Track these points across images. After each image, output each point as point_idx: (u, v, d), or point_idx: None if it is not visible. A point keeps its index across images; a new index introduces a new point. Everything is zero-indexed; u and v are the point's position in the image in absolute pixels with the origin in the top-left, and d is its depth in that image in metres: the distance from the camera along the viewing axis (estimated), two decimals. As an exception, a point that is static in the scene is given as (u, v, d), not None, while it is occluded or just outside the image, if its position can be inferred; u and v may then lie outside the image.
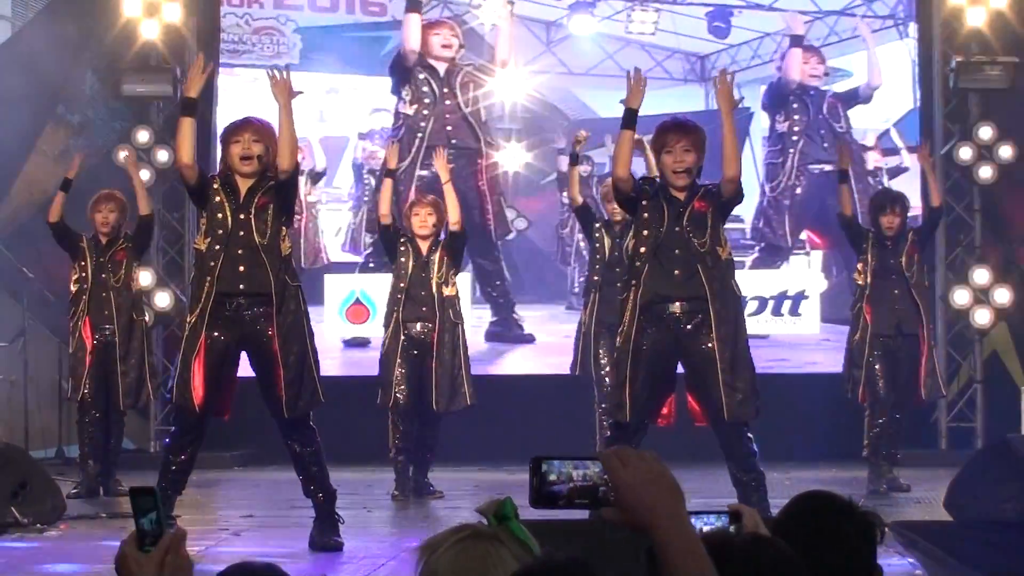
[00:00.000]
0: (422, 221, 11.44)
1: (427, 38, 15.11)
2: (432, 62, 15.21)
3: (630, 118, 8.82)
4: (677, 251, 8.74)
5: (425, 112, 15.05)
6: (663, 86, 16.06)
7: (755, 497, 8.69)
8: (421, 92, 15.07)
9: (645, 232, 8.78)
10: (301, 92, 8.90)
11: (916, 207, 15.40)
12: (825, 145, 15.26)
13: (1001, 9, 14.29)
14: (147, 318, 12.30)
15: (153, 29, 14.53)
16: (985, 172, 14.44)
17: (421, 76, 15.09)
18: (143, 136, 14.61)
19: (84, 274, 11.79)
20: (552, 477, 2.56)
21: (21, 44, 15.21)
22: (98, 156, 14.59)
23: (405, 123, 15.10)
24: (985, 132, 14.42)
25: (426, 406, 11.42)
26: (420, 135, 14.97)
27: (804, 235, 15.72)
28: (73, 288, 11.85)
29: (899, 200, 11.93)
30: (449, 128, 15.09)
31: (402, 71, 15.14)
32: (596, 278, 11.81)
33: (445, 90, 15.16)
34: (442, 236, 11.51)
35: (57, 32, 14.88)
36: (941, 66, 14.65)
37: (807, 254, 15.76)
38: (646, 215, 8.80)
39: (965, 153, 14.47)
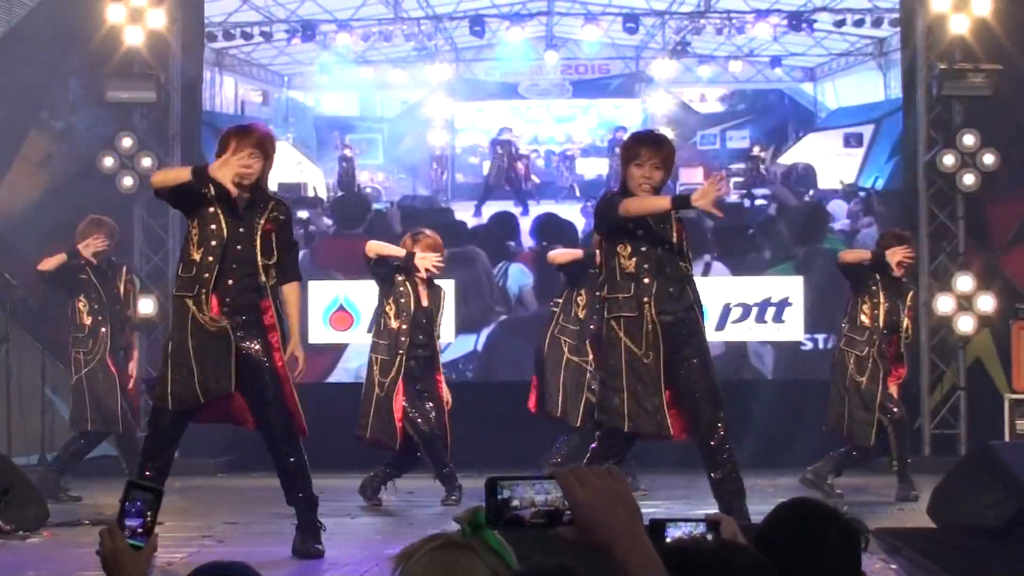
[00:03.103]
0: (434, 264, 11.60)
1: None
2: None
3: (681, 204, 8.73)
4: (669, 269, 8.87)
5: None
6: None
7: (736, 503, 8.73)
8: None
9: (644, 249, 8.85)
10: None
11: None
12: None
13: (984, 17, 14.30)
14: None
15: (137, 35, 14.52)
16: (968, 179, 14.46)
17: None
18: (127, 142, 14.59)
19: (97, 306, 12.08)
20: (515, 503, 2.57)
21: (4, 50, 15.19)
22: (81, 163, 14.57)
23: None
24: (968, 139, 14.44)
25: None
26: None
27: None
28: (88, 321, 12.08)
29: (906, 240, 11.96)
30: None
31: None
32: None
33: None
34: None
35: (41, 38, 14.86)
36: (925, 73, 14.67)
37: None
38: (640, 232, 8.85)
39: (948, 160, 14.50)
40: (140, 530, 3.29)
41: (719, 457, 8.88)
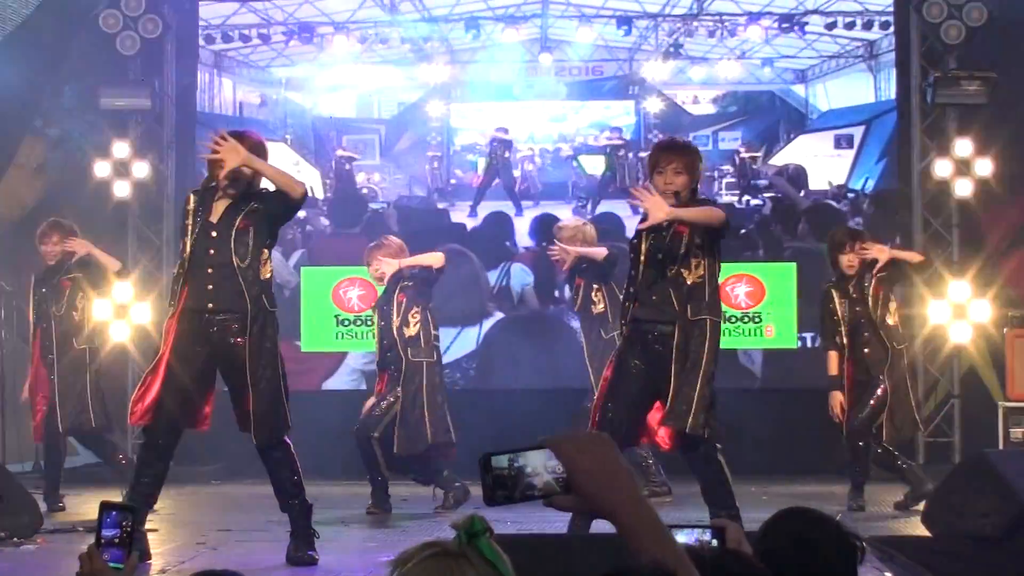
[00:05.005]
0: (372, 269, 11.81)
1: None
2: None
3: None
4: (655, 276, 8.70)
5: None
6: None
7: (721, 492, 8.62)
8: None
9: (631, 272, 8.85)
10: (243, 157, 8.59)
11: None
12: None
13: (979, 24, 14.30)
14: (91, 346, 12.15)
15: (131, 42, 14.51)
16: (963, 187, 14.46)
17: None
18: (121, 150, 14.58)
19: (36, 300, 12.00)
20: (529, 470, 2.53)
21: (-1, 57, 15.19)
22: (75, 171, 14.55)
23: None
24: (963, 147, 14.43)
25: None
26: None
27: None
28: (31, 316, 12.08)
29: (859, 236, 11.73)
30: None
31: None
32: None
33: None
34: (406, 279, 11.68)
35: (35, 45, 14.85)
36: (919, 81, 14.67)
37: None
38: (632, 255, 8.86)
39: (943, 168, 14.50)
40: (118, 550, 3.26)
41: (696, 455, 8.78)
